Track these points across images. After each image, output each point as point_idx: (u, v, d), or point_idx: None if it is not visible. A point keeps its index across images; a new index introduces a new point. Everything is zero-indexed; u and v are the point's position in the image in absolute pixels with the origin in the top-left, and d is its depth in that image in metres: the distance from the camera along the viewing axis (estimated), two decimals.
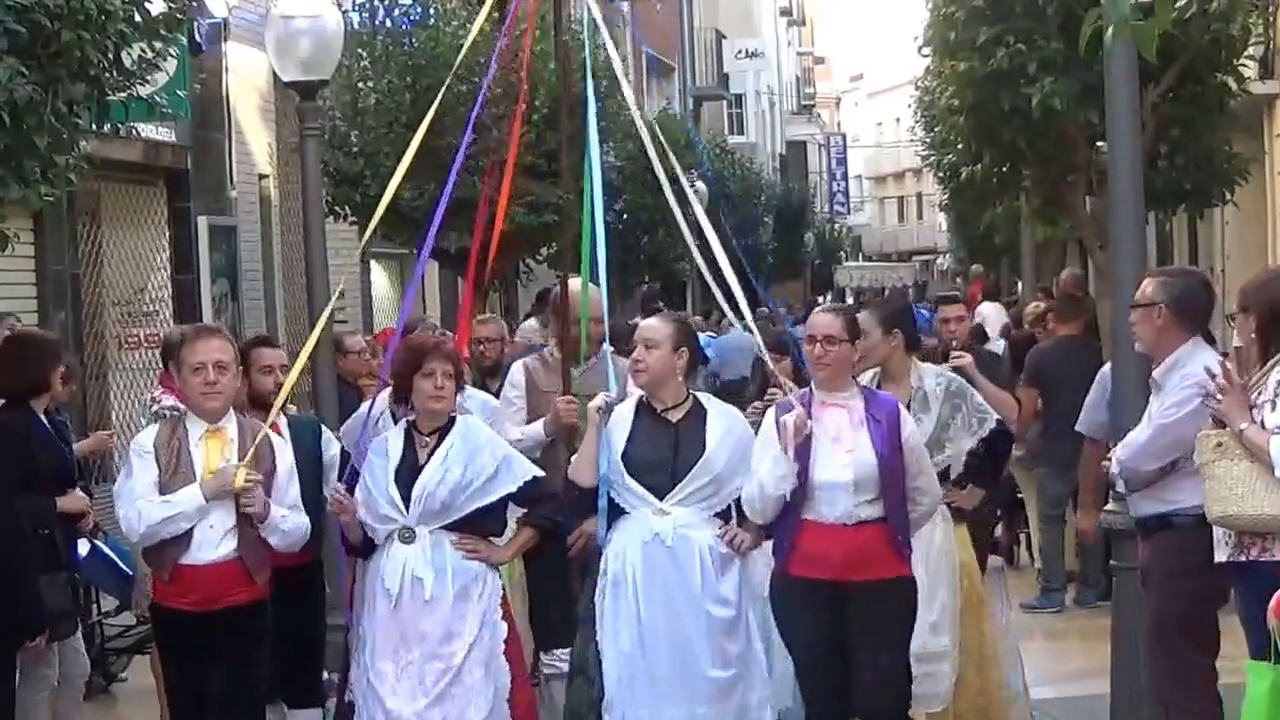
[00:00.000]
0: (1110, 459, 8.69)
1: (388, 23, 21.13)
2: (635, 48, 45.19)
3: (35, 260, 16.67)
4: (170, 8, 10.53)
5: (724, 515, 8.72)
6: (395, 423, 9.14)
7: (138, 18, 10.11)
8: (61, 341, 10.25)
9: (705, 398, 8.91)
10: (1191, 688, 8.53)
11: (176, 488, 8.36)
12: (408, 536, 8.58)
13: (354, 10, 20.88)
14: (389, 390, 9.06)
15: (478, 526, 8.68)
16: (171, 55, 11.14)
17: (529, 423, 10.29)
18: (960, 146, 18.99)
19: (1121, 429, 8.97)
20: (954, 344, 11.48)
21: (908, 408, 8.96)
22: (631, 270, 32.94)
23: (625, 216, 30.26)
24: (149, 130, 18.01)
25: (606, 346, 10.17)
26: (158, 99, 11.18)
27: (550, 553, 9.49)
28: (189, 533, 8.34)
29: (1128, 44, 6.63)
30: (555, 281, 30.75)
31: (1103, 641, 10.13)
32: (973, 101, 17.34)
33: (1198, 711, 8.52)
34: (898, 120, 66.52)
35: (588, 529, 9.09)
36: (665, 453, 8.64)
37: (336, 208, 20.03)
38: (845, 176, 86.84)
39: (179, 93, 17.17)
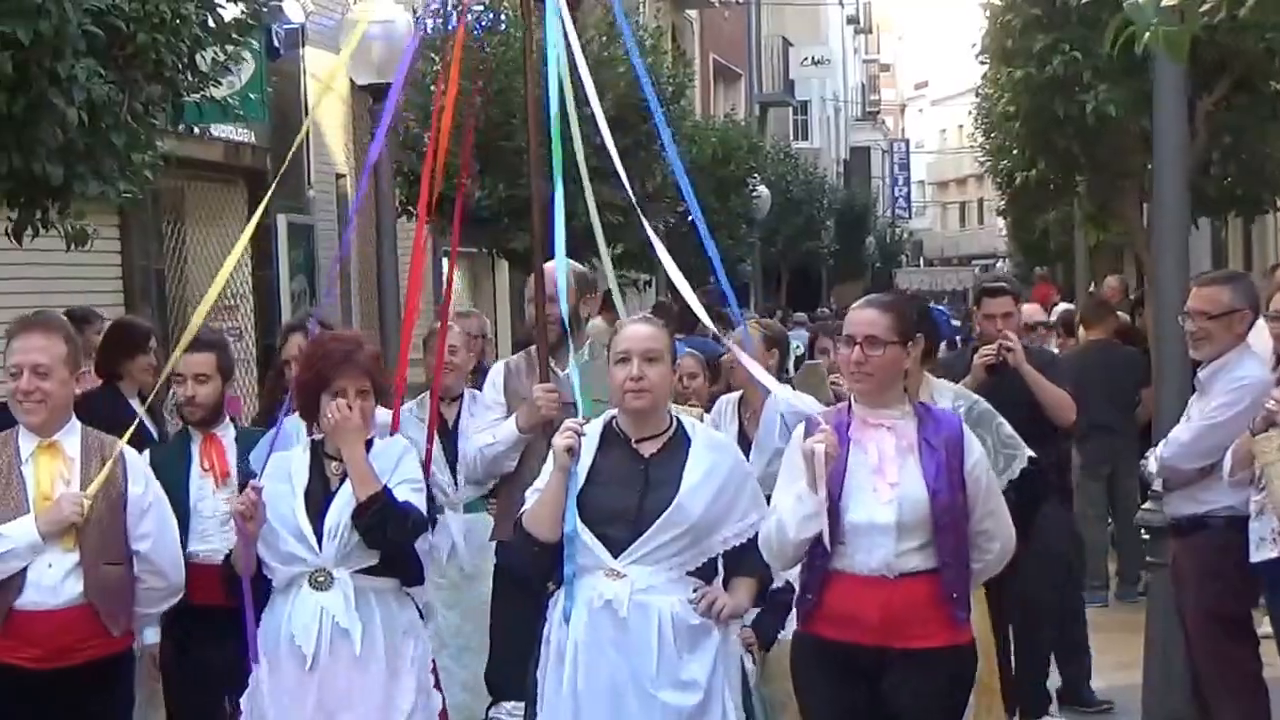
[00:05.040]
0: (1149, 457, 8.58)
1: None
2: (703, 54, 45.22)
3: (121, 256, 16.75)
4: (243, 14, 10.57)
5: (708, 571, 6.60)
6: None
7: (211, 22, 10.18)
8: (153, 331, 10.20)
9: (690, 424, 6.75)
10: (1235, 683, 8.34)
11: (5, 516, 6.64)
12: (322, 581, 6.64)
13: (428, 16, 20.93)
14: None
15: (394, 566, 6.80)
16: (244, 59, 11.13)
17: None
18: (1015, 152, 18.90)
19: (1162, 430, 8.87)
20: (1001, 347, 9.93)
21: None
22: (696, 272, 32.87)
23: (691, 220, 30.20)
24: (230, 132, 18.11)
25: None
26: (230, 101, 11.20)
27: (517, 594, 7.72)
28: (21, 572, 6.62)
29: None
30: (621, 280, 30.65)
31: (1139, 634, 10.03)
32: (1028, 108, 17.20)
33: (1244, 707, 8.36)
34: (960, 127, 66.39)
35: None
36: (630, 497, 6.47)
37: (409, 207, 20.11)
38: (908, 182, 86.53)
39: (253, 95, 17.17)
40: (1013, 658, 9.50)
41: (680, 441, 6.58)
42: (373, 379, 6.84)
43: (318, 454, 6.85)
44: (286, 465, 6.82)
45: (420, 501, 6.82)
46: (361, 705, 6.59)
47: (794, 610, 6.64)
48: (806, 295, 47.55)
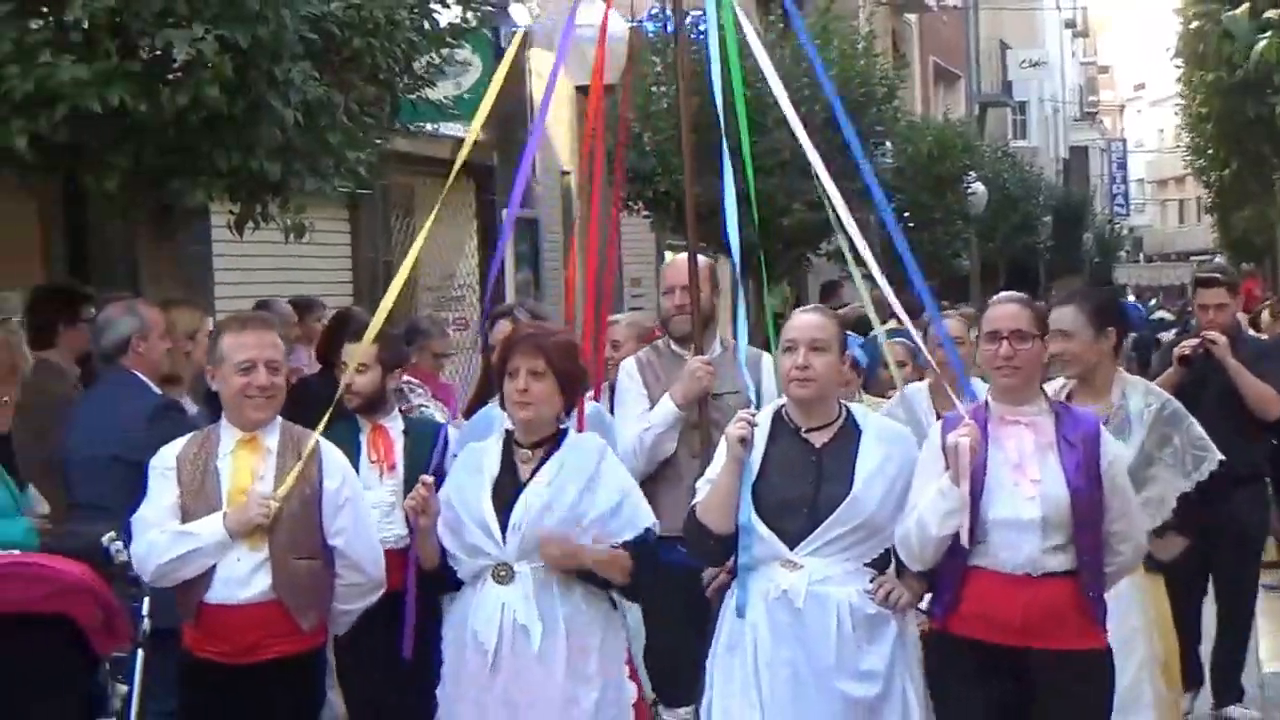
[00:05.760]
0: None
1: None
2: (923, 56, 44.90)
3: (351, 249, 16.96)
4: (462, 20, 10.65)
5: (883, 561, 6.30)
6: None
7: (426, 26, 10.26)
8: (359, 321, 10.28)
9: (861, 413, 6.47)
10: None
11: (199, 511, 6.41)
12: (504, 575, 6.28)
13: (649, 20, 21.01)
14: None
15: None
16: (469, 62, 11.18)
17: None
18: (1210, 152, 18.66)
19: None
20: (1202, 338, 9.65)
21: None
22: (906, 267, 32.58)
23: (907, 215, 30.00)
24: (458, 129, 18.19)
25: (742, 337, 7.17)
26: (445, 100, 11.28)
27: (676, 591, 7.26)
28: (212, 565, 6.42)
29: None
30: (840, 274, 30.58)
31: None
32: (1220, 110, 16.94)
33: None
34: (1176, 127, 65.34)
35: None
36: (804, 488, 6.20)
37: (630, 202, 20.24)
38: (1125, 180, 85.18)
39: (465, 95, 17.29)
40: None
41: (851, 432, 6.32)
42: (554, 364, 6.38)
43: (509, 445, 6.50)
44: (479, 455, 6.52)
45: (642, 507, 6.50)
46: (544, 701, 6.24)
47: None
48: (1024, 289, 46.86)
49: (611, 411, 8.42)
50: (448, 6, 10.61)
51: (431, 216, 7.46)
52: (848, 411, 6.41)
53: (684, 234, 7.32)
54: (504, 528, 6.28)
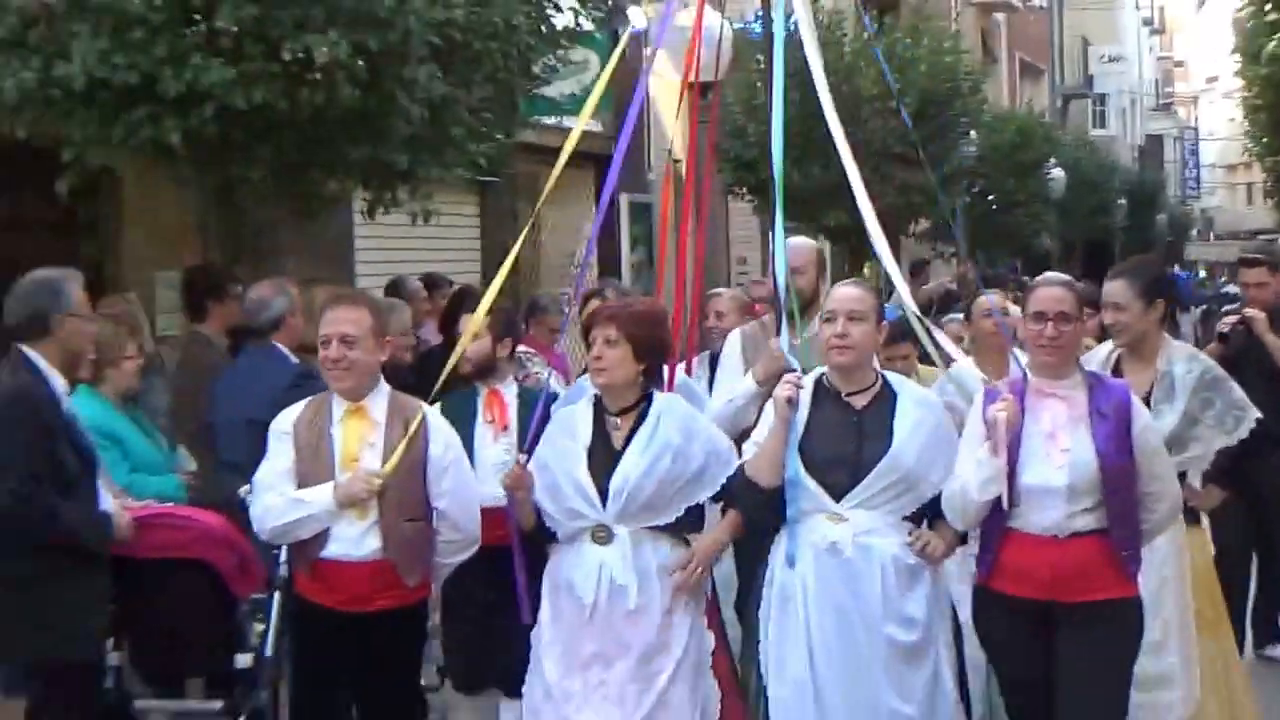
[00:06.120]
0: None
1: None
2: (1009, 52, 44.53)
3: (480, 232, 17.03)
4: (574, 24, 10.66)
5: (916, 517, 6.25)
6: None
7: (543, 30, 10.27)
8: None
9: (896, 379, 6.41)
10: None
11: (313, 475, 6.43)
12: (603, 536, 6.20)
13: (755, 21, 20.95)
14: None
15: (679, 525, 6.29)
16: (576, 62, 11.18)
17: None
18: (1265, 140, 18.46)
19: None
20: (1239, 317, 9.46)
21: (1148, 396, 6.99)
22: (994, 245, 32.38)
23: (990, 198, 29.84)
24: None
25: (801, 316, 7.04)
26: (559, 97, 11.26)
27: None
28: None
29: None
30: (931, 253, 30.20)
31: None
32: (1271, 101, 16.72)
33: None
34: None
35: None
36: (847, 445, 6.15)
37: (735, 188, 20.33)
38: (1197, 165, 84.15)
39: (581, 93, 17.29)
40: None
41: (887, 396, 6.27)
42: (626, 330, 6.27)
43: (600, 409, 6.40)
44: (571, 420, 6.44)
45: (726, 458, 6.39)
46: (636, 651, 6.17)
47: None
48: (1099, 266, 46.55)
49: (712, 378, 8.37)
50: (561, 11, 10.60)
51: (540, 201, 7.43)
52: (883, 378, 6.37)
53: (789, 218, 7.10)
54: (602, 493, 6.21)
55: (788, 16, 7.72)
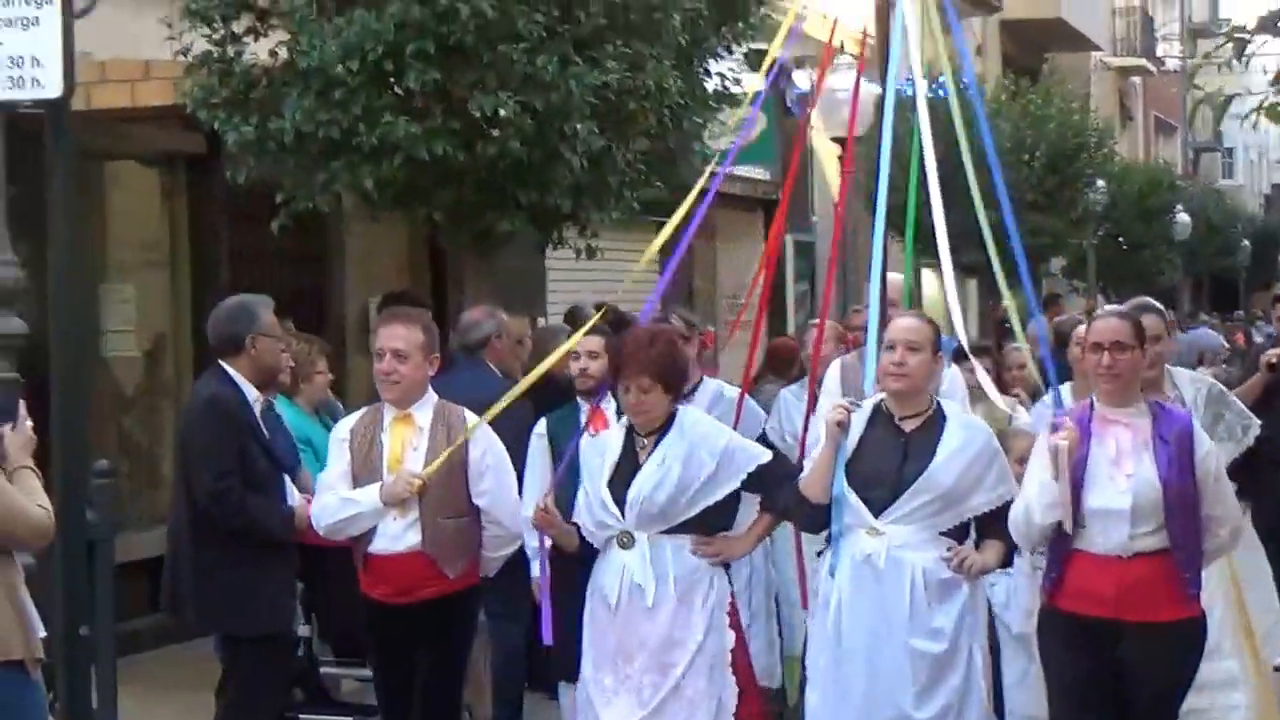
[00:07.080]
0: None
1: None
2: (1145, 111, 43.66)
3: (659, 267, 16.89)
4: (721, 88, 10.55)
5: (960, 533, 5.89)
6: None
7: (696, 93, 10.21)
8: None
9: (950, 406, 6.09)
10: None
11: (365, 476, 6.32)
12: (627, 542, 5.92)
13: (906, 84, 20.71)
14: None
15: (706, 524, 5.96)
16: (720, 121, 10.86)
17: None
18: None
19: None
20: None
21: None
22: (1124, 283, 31.78)
23: (1119, 239, 29.37)
24: (750, 171, 18.22)
25: (871, 344, 6.43)
26: (708, 150, 10.99)
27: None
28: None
29: None
30: (1068, 288, 29.41)
31: None
32: None
33: None
34: None
35: None
36: (891, 464, 5.85)
37: (892, 232, 20.07)
38: None
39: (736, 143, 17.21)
40: None
41: (938, 419, 5.91)
42: (659, 379, 5.92)
43: (631, 433, 6.07)
44: (604, 442, 6.15)
45: (740, 454, 6.01)
46: (652, 645, 5.89)
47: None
48: (1224, 301, 45.61)
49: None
50: (710, 76, 10.51)
51: (687, 235, 7.18)
52: (938, 404, 6.02)
53: (935, 256, 6.88)
54: (621, 503, 5.91)
55: (936, 79, 7.52)
